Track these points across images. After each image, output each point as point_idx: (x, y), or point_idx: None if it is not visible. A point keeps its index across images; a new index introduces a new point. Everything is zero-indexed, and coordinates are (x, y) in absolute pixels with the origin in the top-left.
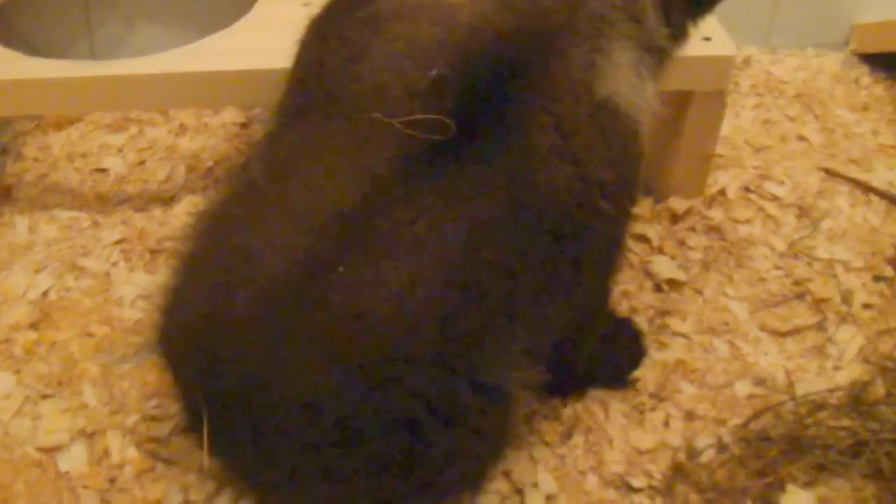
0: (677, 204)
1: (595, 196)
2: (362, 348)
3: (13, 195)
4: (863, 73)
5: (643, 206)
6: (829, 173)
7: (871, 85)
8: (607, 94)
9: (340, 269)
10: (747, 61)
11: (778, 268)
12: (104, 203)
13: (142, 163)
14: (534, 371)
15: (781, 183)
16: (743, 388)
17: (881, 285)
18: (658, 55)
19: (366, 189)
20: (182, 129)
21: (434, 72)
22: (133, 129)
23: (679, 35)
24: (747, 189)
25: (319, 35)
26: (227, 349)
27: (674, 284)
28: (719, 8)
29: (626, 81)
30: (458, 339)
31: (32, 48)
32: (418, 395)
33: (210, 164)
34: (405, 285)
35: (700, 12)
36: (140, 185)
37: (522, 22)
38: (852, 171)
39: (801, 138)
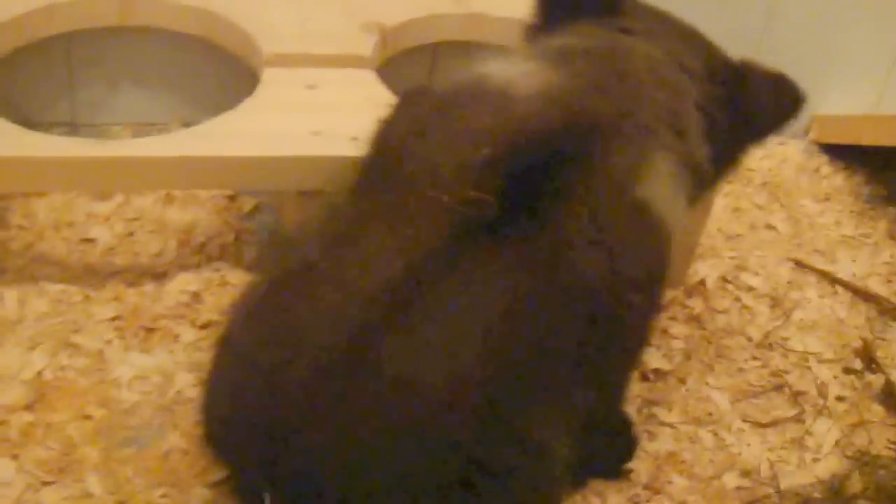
0: None
1: (626, 289)
2: (414, 412)
3: (0, 265)
4: (822, 162)
5: None
6: (798, 264)
7: (830, 175)
8: (644, 196)
9: (389, 337)
10: None
11: (755, 358)
12: (94, 275)
13: (130, 234)
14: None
15: (756, 273)
16: (730, 479)
17: (851, 378)
18: (696, 174)
19: (414, 260)
20: (169, 199)
21: (486, 150)
22: (119, 198)
23: (723, 159)
24: (725, 279)
25: (396, 117)
26: (286, 426)
27: (659, 374)
28: None
29: (662, 189)
30: (500, 404)
31: (13, 107)
32: (470, 455)
33: (202, 239)
34: (449, 351)
35: (748, 140)
36: (130, 258)
37: (574, 120)
38: (818, 262)
39: (770, 227)
